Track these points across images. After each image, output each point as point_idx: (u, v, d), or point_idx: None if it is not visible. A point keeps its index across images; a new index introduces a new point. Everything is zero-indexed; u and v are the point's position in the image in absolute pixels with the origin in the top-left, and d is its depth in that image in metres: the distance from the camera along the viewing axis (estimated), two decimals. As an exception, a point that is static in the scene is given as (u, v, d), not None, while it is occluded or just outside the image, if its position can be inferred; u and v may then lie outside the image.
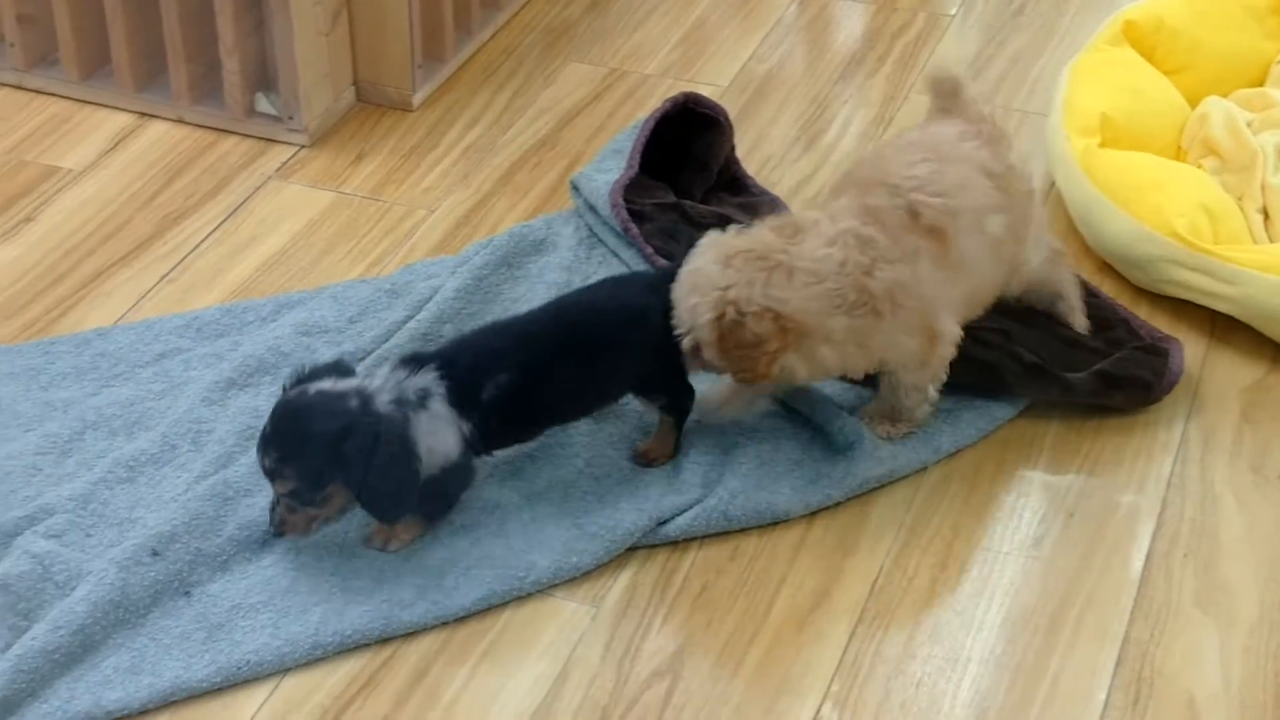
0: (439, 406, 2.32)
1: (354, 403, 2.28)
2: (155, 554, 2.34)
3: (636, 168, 2.91)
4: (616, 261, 2.85)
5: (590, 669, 2.27)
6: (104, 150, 3.22)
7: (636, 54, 3.48)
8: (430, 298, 2.78)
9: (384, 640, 2.30)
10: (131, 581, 2.30)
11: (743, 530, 2.44)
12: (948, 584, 2.38)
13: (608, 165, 2.97)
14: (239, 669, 2.24)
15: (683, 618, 2.33)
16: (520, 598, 2.35)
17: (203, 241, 3.00)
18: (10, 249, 2.98)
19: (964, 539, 2.44)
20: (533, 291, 2.79)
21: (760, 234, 2.38)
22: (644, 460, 2.51)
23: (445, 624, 2.32)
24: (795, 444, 2.53)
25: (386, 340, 2.71)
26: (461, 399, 2.33)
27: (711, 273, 2.34)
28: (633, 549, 2.41)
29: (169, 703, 2.21)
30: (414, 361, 2.35)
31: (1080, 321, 2.70)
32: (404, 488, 2.30)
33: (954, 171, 2.44)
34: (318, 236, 3.02)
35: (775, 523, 2.45)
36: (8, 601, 2.26)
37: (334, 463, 2.27)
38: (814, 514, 2.47)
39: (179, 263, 2.95)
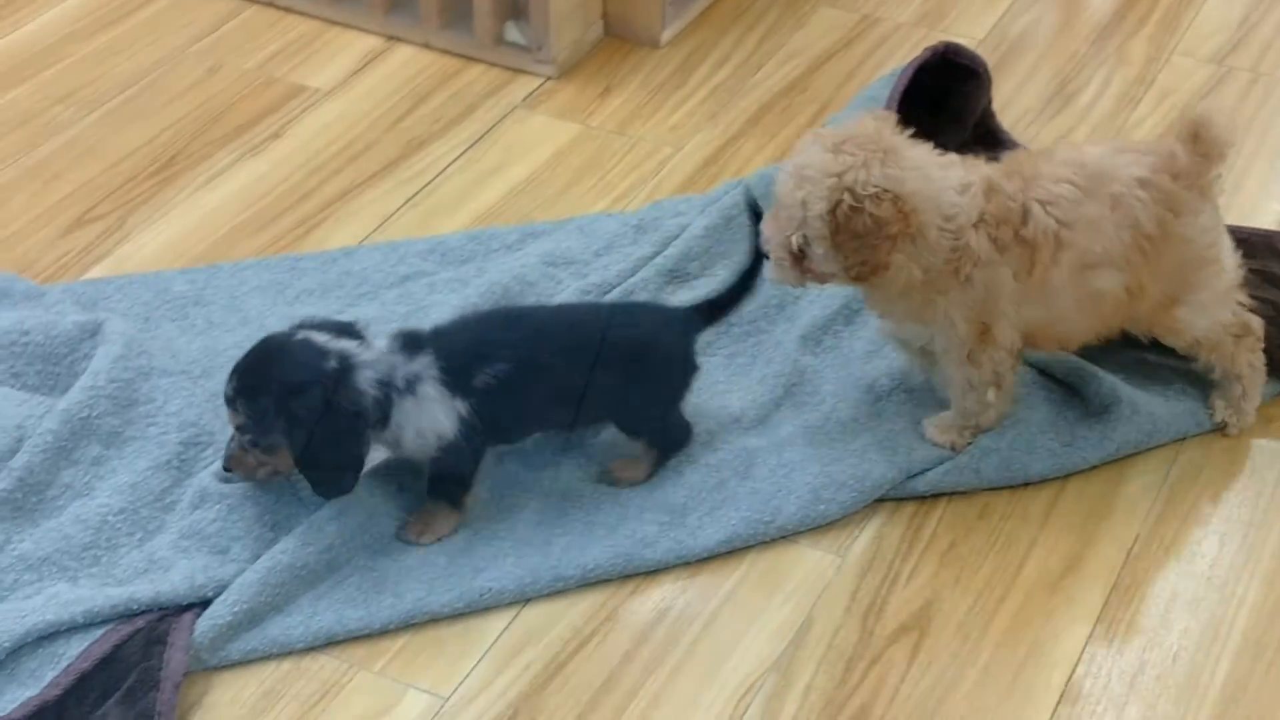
0: (429, 389, 2.23)
1: (331, 364, 2.19)
2: (401, 488, 2.33)
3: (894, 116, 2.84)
4: (868, 209, 2.78)
5: (834, 619, 2.22)
6: (351, 71, 3.22)
7: (889, 1, 3.40)
8: (678, 235, 2.74)
9: (626, 577, 2.27)
10: (379, 507, 2.29)
11: (992, 489, 2.38)
12: (1207, 556, 2.30)
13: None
14: (480, 596, 2.23)
15: (930, 573, 2.28)
16: (764, 542, 2.31)
17: (447, 167, 2.99)
18: (258, 164, 2.98)
19: (1225, 512, 2.36)
20: (782, 234, 2.74)
21: (864, 121, 2.27)
22: (611, 480, 2.37)
23: (687, 564, 2.28)
24: (1049, 405, 2.46)
25: (632, 275, 2.67)
26: (455, 381, 2.24)
27: (822, 161, 2.21)
28: (880, 500, 2.36)
29: (410, 624, 2.20)
30: (412, 343, 2.25)
31: (1234, 419, 2.45)
32: (343, 464, 2.21)
33: (1092, 210, 2.27)
34: (563, 168, 2.99)
35: (1027, 483, 2.39)
36: (255, 512, 2.26)
37: (281, 415, 2.18)
38: (1067, 476, 2.40)
39: (424, 187, 2.94)
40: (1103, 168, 2.29)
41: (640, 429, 2.37)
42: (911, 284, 2.26)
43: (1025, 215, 2.26)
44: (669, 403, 2.37)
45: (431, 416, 2.24)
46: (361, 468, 2.23)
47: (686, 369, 2.38)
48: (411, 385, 2.23)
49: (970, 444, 2.39)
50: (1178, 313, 2.37)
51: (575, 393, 2.30)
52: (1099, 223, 2.27)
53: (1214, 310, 2.39)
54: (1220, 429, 2.45)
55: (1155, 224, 2.28)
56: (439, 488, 2.30)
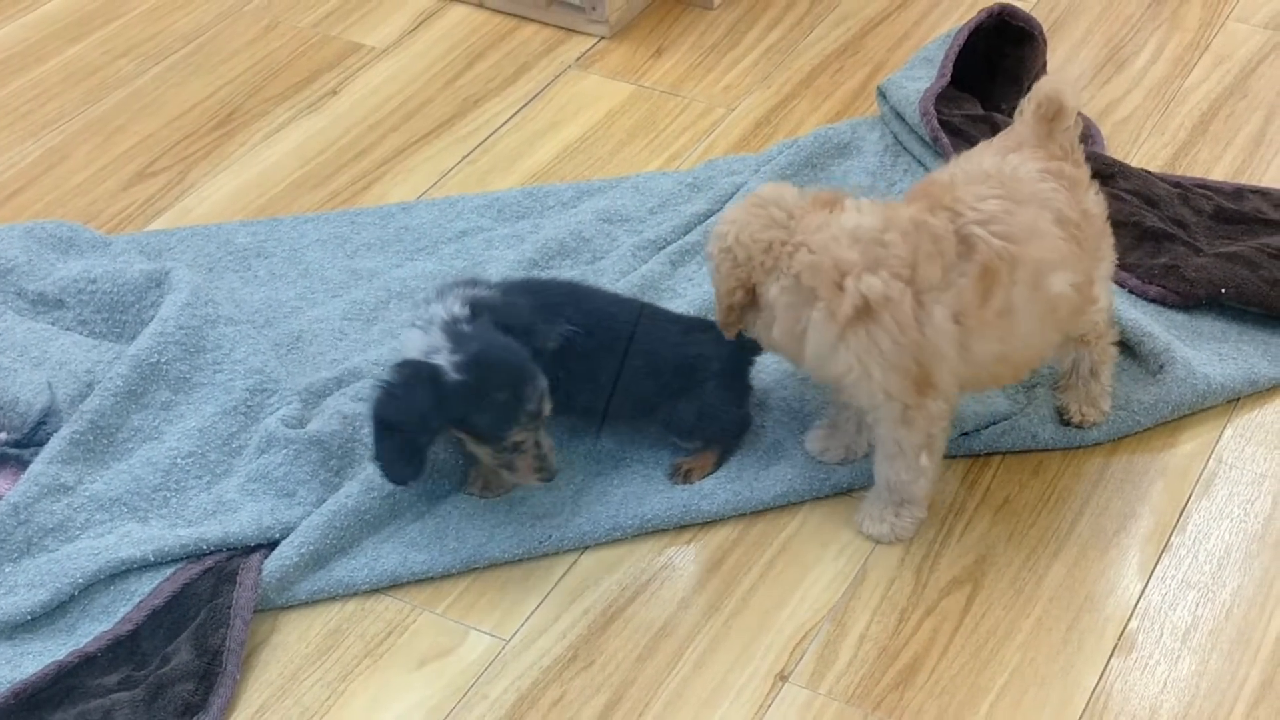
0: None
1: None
2: None
3: (948, 77, 2.86)
4: (921, 170, 2.80)
5: (888, 571, 2.25)
6: (406, 30, 3.25)
7: (942, -35, 3.42)
8: (733, 194, 2.76)
9: (682, 527, 2.30)
10: (442, 455, 2.32)
11: (1047, 449, 2.40)
12: (1260, 515, 2.31)
13: (917, 74, 2.92)
14: (540, 543, 2.26)
15: (984, 528, 2.30)
16: (819, 497, 2.33)
17: (502, 125, 3.01)
18: (316, 120, 3.02)
19: (1279, 471, 2.37)
20: (837, 194, 2.75)
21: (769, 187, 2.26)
22: (685, 478, 2.35)
23: (743, 515, 2.31)
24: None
25: (687, 232, 2.70)
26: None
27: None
28: (934, 457, 2.38)
29: (471, 568, 2.24)
30: (475, 307, 2.23)
31: (1092, 413, 2.41)
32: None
33: (1025, 215, 2.18)
34: (616, 127, 3.01)
35: (1082, 445, 2.41)
36: (320, 457, 2.29)
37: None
38: (1120, 438, 2.41)
39: (479, 144, 2.97)
40: (1014, 173, 2.22)
41: (693, 435, 2.36)
42: (776, 335, 2.21)
43: (968, 242, 2.17)
44: (721, 416, 2.36)
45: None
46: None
47: (741, 391, 2.37)
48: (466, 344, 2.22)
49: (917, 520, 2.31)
50: (1095, 290, 2.30)
51: (620, 390, 2.31)
52: (1039, 228, 2.19)
53: (1108, 280, 2.35)
54: (1078, 425, 2.41)
55: (1072, 208, 2.23)
56: None
